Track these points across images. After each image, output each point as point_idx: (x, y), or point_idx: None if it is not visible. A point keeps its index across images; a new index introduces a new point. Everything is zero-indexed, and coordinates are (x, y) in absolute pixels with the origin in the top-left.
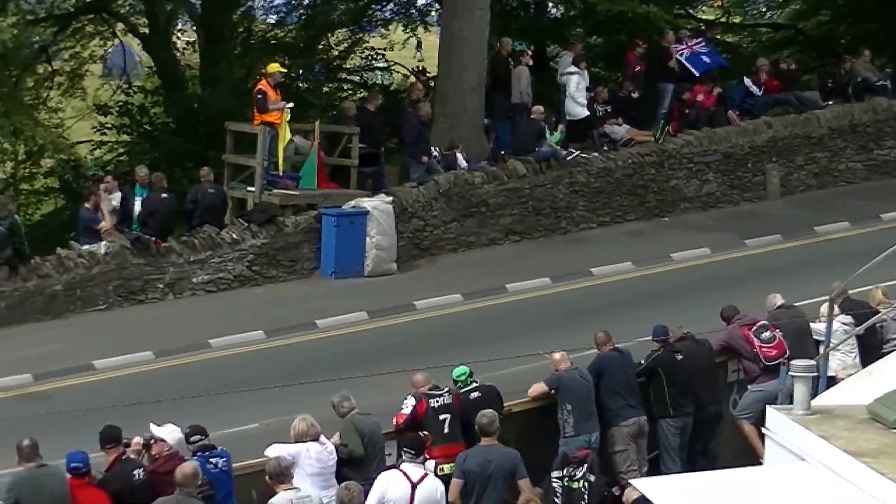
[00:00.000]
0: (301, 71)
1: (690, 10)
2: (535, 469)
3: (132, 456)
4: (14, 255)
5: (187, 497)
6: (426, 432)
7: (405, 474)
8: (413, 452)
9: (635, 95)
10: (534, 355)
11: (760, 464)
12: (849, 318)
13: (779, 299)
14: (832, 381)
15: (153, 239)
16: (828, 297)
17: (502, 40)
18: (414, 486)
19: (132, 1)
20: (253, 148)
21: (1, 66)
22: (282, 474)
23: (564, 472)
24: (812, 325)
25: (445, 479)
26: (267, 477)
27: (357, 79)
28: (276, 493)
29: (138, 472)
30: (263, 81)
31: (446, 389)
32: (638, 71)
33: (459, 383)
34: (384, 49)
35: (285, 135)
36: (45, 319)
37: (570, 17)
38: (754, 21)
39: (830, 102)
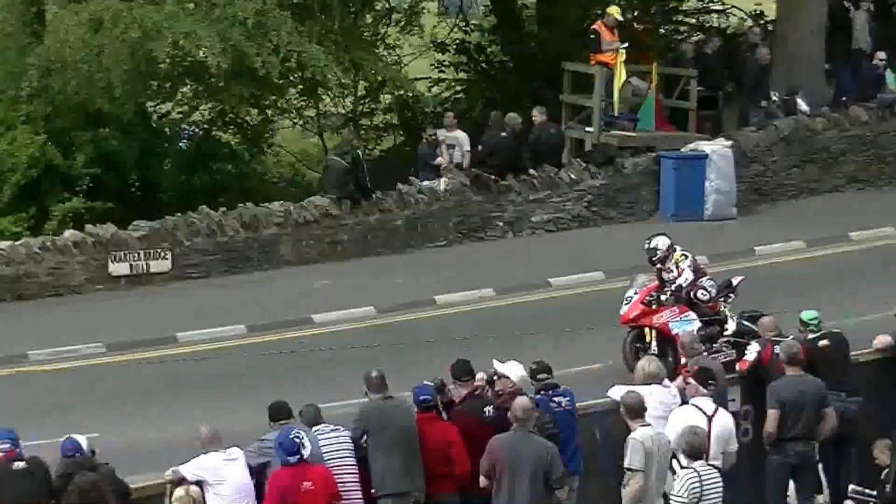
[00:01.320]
0: (637, 13)
1: None
2: (885, 421)
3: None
4: (356, 189)
5: (525, 434)
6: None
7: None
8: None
9: None
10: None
11: None
12: None
13: None
14: None
15: (492, 177)
16: None
17: None
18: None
19: None
20: (590, 89)
21: (341, 2)
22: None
23: None
24: None
25: None
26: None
27: (693, 21)
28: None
29: (489, 409)
30: (599, 22)
31: (791, 337)
32: None
33: (811, 326)
34: None
35: (621, 76)
36: (386, 253)
37: None
38: None
39: None
